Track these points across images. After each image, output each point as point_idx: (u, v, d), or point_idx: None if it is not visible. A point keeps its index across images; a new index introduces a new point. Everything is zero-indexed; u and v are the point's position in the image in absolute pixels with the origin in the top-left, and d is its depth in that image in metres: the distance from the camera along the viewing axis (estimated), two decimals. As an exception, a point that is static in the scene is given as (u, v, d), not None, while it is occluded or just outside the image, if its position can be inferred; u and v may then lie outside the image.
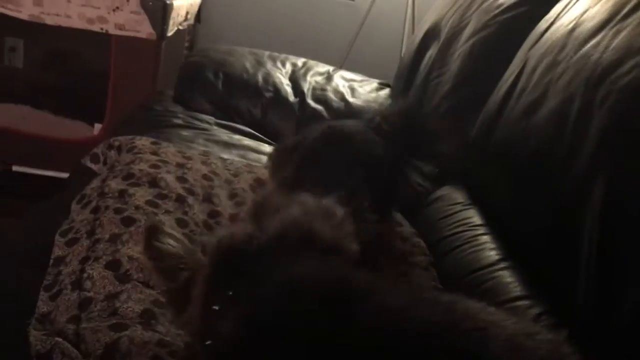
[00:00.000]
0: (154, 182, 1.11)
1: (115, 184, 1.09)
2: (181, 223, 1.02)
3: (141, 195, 1.05)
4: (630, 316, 0.72)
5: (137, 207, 1.01)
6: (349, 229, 0.79)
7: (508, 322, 0.58)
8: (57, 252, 0.94)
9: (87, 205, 1.05)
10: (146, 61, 2.19)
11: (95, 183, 1.13)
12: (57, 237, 0.97)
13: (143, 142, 1.32)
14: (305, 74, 2.08)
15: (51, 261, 0.92)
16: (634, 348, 0.73)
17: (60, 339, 0.73)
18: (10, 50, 2.48)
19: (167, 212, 1.03)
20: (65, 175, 1.64)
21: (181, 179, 1.15)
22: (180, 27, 2.45)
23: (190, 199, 1.09)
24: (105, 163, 1.34)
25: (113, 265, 0.87)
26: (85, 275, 0.84)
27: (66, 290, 0.83)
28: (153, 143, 1.33)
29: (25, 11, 2.09)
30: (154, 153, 1.26)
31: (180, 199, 1.08)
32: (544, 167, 0.99)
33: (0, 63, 2.48)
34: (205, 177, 1.20)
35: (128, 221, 0.97)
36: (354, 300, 0.60)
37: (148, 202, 1.03)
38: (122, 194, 1.05)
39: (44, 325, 0.79)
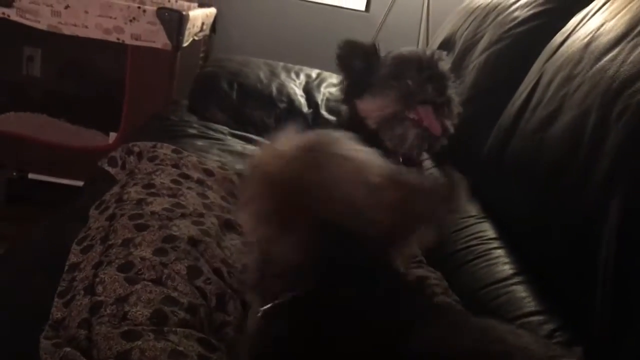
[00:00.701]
0: (174, 196, 1.12)
1: (134, 192, 1.09)
2: (197, 223, 1.03)
3: (159, 203, 1.06)
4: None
5: (152, 213, 1.02)
6: None
7: (535, 345, 0.58)
8: (72, 259, 0.94)
9: (105, 212, 1.06)
10: (162, 71, 2.21)
11: (115, 189, 1.14)
12: (74, 245, 0.98)
13: (165, 150, 1.32)
14: (319, 85, 2.09)
15: (66, 267, 0.93)
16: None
17: (69, 349, 0.73)
18: (29, 59, 2.51)
19: (183, 215, 1.04)
20: (80, 183, 1.66)
21: (202, 195, 1.16)
22: (196, 38, 2.47)
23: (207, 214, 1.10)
24: (123, 167, 1.36)
25: (125, 267, 0.87)
26: (97, 280, 0.85)
27: (79, 295, 0.83)
28: (174, 151, 1.33)
29: (43, 21, 2.11)
30: (175, 165, 1.26)
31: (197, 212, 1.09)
32: (559, 180, 0.98)
33: (19, 72, 2.52)
34: (223, 198, 1.21)
35: (142, 226, 0.97)
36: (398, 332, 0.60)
37: (165, 209, 1.04)
38: (140, 202, 1.06)
39: (57, 332, 0.79)
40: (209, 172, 1.28)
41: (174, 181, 1.18)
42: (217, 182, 1.25)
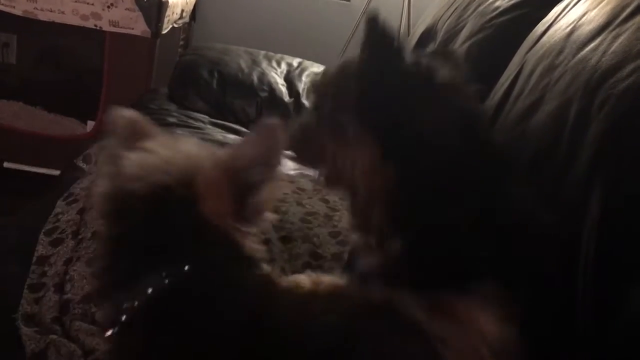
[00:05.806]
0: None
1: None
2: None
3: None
4: (629, 327, 0.72)
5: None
6: None
7: None
8: (40, 250, 0.93)
9: (74, 205, 1.04)
10: (140, 59, 2.18)
11: (85, 183, 1.12)
12: (41, 235, 0.96)
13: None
14: (300, 74, 2.08)
15: (34, 259, 0.91)
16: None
17: (54, 336, 0.72)
18: (4, 45, 2.46)
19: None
20: (57, 172, 1.63)
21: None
22: (175, 25, 2.44)
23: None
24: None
25: (93, 261, 0.85)
26: (67, 277, 0.84)
27: (49, 292, 0.82)
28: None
29: (18, 7, 2.07)
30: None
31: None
32: (541, 171, 0.98)
33: (-6, 59, 2.47)
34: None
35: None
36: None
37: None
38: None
39: (31, 326, 0.78)
40: None
41: None
42: None
